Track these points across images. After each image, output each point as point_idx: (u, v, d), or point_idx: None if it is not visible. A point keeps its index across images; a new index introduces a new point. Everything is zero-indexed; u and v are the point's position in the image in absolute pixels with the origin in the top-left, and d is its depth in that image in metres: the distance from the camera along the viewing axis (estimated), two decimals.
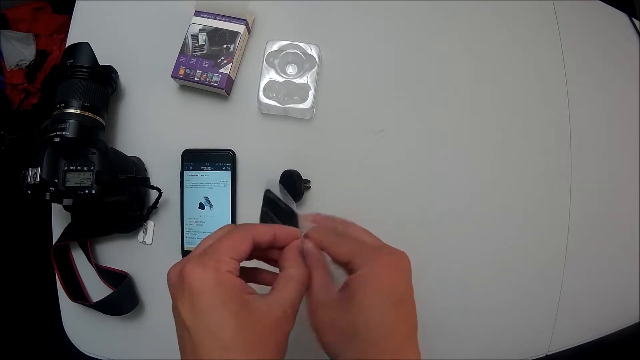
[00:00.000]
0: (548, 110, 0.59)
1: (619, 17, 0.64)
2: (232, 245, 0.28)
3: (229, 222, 0.55)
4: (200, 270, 0.26)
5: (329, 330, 0.29)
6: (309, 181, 0.55)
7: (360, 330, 0.28)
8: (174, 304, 0.27)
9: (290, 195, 0.54)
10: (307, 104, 0.54)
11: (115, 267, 0.56)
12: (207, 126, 0.58)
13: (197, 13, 0.57)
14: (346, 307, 0.29)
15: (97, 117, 0.50)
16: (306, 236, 0.33)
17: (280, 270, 0.31)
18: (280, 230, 0.32)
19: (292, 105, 0.54)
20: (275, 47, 0.56)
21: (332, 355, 0.30)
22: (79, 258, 0.57)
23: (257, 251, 0.31)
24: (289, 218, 0.34)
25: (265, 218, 0.36)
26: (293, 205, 0.35)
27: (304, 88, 0.55)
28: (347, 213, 0.56)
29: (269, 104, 0.54)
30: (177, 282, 0.27)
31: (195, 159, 0.56)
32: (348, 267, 0.30)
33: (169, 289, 0.28)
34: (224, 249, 0.28)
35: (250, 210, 0.56)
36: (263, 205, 0.37)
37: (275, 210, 0.36)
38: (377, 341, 0.28)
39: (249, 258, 0.31)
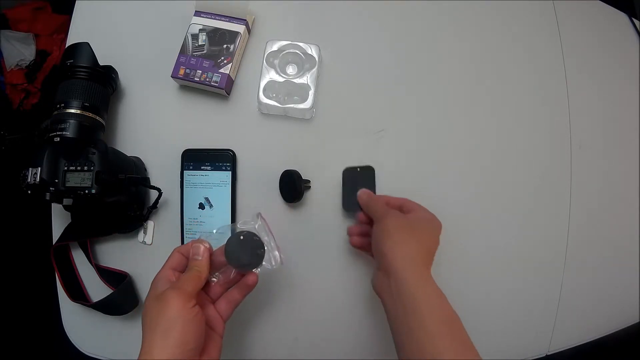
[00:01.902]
0: (548, 110, 0.59)
1: (619, 17, 0.64)
2: (168, 261, 0.43)
3: (229, 221, 0.55)
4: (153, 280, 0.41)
5: (392, 223, 0.44)
6: (309, 181, 0.55)
7: (412, 230, 0.43)
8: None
9: (291, 195, 0.55)
10: (307, 104, 0.54)
11: (115, 267, 0.56)
12: (207, 126, 0.58)
13: (197, 13, 0.57)
14: (408, 217, 0.46)
15: (97, 117, 0.50)
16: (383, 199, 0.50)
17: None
18: (192, 242, 0.44)
19: (292, 105, 0.54)
20: (275, 47, 0.56)
21: (386, 235, 0.43)
22: (79, 258, 0.57)
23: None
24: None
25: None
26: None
27: (304, 88, 0.55)
28: (346, 212, 0.56)
29: (269, 104, 0.54)
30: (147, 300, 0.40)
31: (195, 159, 0.56)
32: (407, 206, 0.48)
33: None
34: (164, 265, 0.43)
35: (250, 210, 0.56)
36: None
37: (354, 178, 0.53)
38: (420, 243, 0.43)
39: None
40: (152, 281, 0.41)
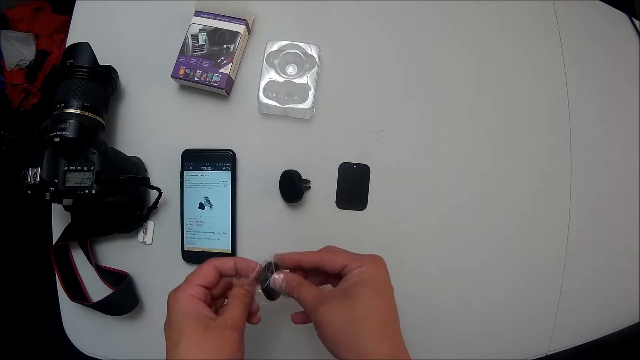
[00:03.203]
0: (548, 111, 0.59)
1: (619, 17, 0.64)
2: (199, 275, 0.38)
3: (229, 222, 0.55)
4: (172, 295, 0.36)
5: (331, 323, 0.35)
6: (309, 181, 0.55)
7: (358, 315, 0.34)
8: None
9: (291, 195, 0.55)
10: (307, 104, 0.54)
11: (115, 267, 0.56)
12: (207, 126, 0.58)
13: (197, 13, 0.57)
14: (344, 299, 0.35)
15: (97, 117, 0.50)
16: (301, 264, 0.40)
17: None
18: (239, 262, 0.40)
19: (292, 105, 0.54)
20: (275, 47, 0.56)
21: (332, 345, 0.35)
22: (79, 258, 0.57)
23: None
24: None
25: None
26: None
27: (304, 88, 0.55)
28: (347, 212, 0.56)
29: (269, 104, 0.54)
30: (168, 305, 0.36)
31: (195, 159, 0.56)
32: (343, 271, 0.37)
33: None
34: (192, 279, 0.37)
35: (250, 210, 0.56)
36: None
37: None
38: (374, 324, 0.34)
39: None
40: (174, 295, 0.36)
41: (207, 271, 0.38)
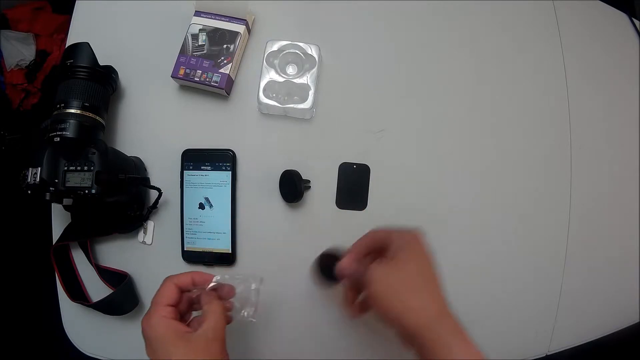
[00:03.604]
0: (548, 111, 0.59)
1: (619, 17, 0.64)
2: (163, 295, 0.39)
3: (229, 222, 0.55)
4: (146, 323, 0.38)
5: (380, 283, 0.39)
6: (309, 181, 0.55)
7: (400, 273, 0.38)
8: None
9: (291, 195, 0.55)
10: (307, 104, 0.54)
11: (115, 267, 0.56)
12: (207, 126, 0.58)
13: (197, 13, 0.57)
14: (389, 262, 0.39)
15: (97, 117, 0.50)
16: (359, 256, 0.44)
17: (202, 308, 0.40)
18: (196, 276, 0.41)
19: (292, 105, 0.54)
20: (275, 47, 0.56)
21: (380, 304, 0.38)
22: (79, 258, 0.57)
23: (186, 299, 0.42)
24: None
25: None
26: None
27: (304, 88, 0.55)
28: (347, 212, 0.56)
29: (269, 104, 0.54)
30: (143, 330, 0.38)
31: (195, 159, 0.56)
32: (388, 241, 0.42)
33: None
34: (159, 301, 0.39)
35: (250, 210, 0.56)
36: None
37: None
38: (414, 280, 0.38)
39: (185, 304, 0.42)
40: (149, 322, 0.37)
41: (169, 290, 0.40)
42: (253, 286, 0.43)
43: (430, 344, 0.36)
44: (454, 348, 0.35)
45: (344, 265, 0.42)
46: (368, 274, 0.39)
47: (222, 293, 0.41)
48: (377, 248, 0.42)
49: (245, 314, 0.43)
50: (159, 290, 0.40)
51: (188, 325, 0.40)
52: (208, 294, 0.41)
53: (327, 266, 0.44)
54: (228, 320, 0.41)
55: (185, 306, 0.42)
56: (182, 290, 0.41)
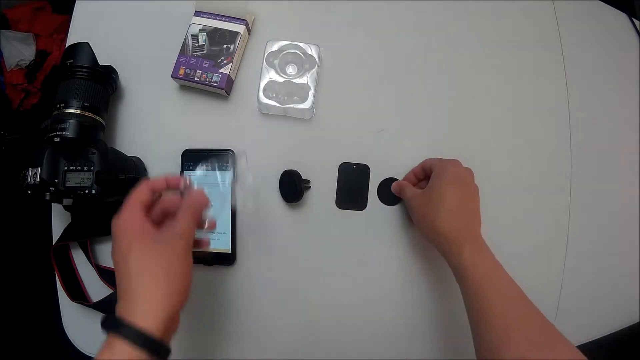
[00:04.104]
0: (548, 111, 0.59)
1: (619, 17, 0.64)
2: (134, 195, 0.39)
3: (229, 222, 0.55)
4: (115, 219, 0.38)
5: (418, 209, 0.48)
6: (309, 181, 0.55)
7: (434, 202, 0.45)
8: (112, 243, 0.38)
9: (291, 195, 0.55)
10: (307, 104, 0.54)
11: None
12: (207, 126, 0.58)
13: (197, 13, 0.57)
14: (427, 188, 0.47)
15: (97, 117, 0.50)
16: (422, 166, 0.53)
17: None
18: (170, 179, 0.42)
19: (292, 105, 0.54)
20: (275, 47, 0.56)
21: (417, 222, 0.48)
22: (79, 258, 0.57)
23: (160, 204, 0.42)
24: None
25: None
26: None
27: (304, 88, 0.55)
28: (347, 212, 0.56)
29: (269, 104, 0.54)
30: (113, 227, 0.38)
31: (195, 159, 0.56)
32: (431, 169, 0.49)
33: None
34: (129, 201, 0.39)
35: (250, 210, 0.56)
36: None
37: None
38: (449, 210, 0.44)
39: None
40: (117, 219, 0.38)
41: (141, 190, 0.40)
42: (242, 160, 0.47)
43: (450, 263, 0.44)
44: (465, 264, 0.42)
45: (395, 183, 0.54)
46: (413, 199, 0.48)
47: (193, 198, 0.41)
48: (428, 174, 0.50)
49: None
50: (131, 191, 0.40)
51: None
52: (184, 203, 0.40)
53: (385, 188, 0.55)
54: (200, 225, 0.42)
55: (159, 214, 0.41)
56: (155, 192, 0.41)
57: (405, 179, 0.54)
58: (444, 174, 0.46)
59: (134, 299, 0.34)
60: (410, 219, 0.53)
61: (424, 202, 0.46)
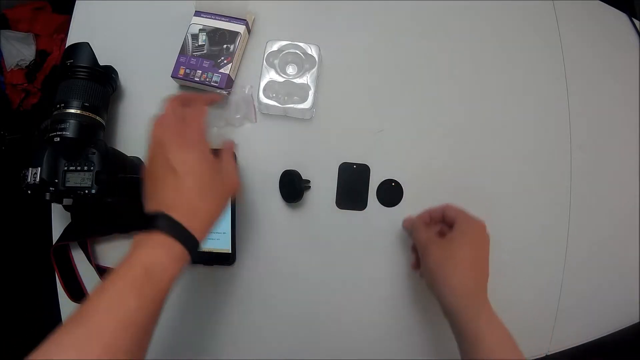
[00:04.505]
0: (548, 111, 0.59)
1: (619, 17, 0.64)
2: (200, 112, 0.43)
3: (229, 223, 0.54)
4: (190, 131, 0.40)
5: (432, 259, 0.44)
6: (308, 181, 0.55)
7: (453, 258, 0.43)
8: (163, 153, 0.38)
9: (291, 195, 0.55)
10: (307, 104, 0.54)
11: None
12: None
13: (197, 13, 0.57)
14: (448, 242, 0.44)
15: (97, 117, 0.50)
16: (442, 208, 0.50)
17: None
18: (212, 96, 0.48)
19: (292, 105, 0.54)
20: (275, 47, 0.56)
21: (430, 275, 0.44)
22: (79, 258, 0.57)
23: None
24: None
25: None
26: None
27: (304, 88, 0.55)
28: (347, 212, 0.56)
29: (269, 104, 0.54)
30: (170, 136, 0.39)
31: None
32: (451, 222, 0.47)
33: (158, 144, 0.39)
34: (197, 116, 0.42)
35: (250, 210, 0.56)
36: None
37: None
38: (466, 269, 0.42)
39: None
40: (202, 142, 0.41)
41: (203, 109, 0.44)
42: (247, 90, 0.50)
43: (460, 324, 0.41)
44: (480, 331, 0.40)
45: (407, 219, 0.53)
46: (429, 248, 0.45)
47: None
48: (447, 220, 0.48)
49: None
50: (192, 116, 0.42)
51: None
52: (225, 151, 0.45)
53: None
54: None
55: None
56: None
57: (419, 217, 0.51)
58: (471, 233, 0.45)
59: (190, 210, 0.37)
60: (417, 263, 0.50)
61: (443, 253, 0.44)
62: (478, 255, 0.44)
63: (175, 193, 0.37)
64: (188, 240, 0.36)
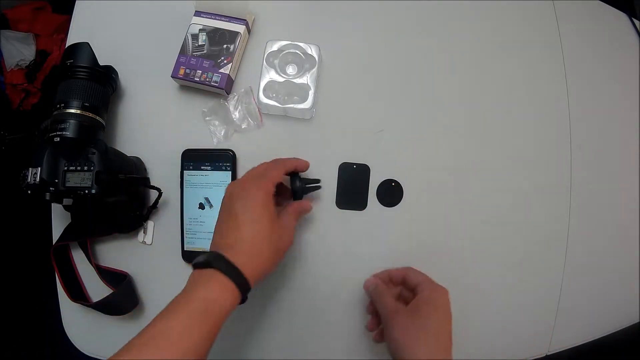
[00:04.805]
0: (548, 111, 0.59)
1: (619, 17, 0.64)
2: (275, 175, 0.45)
3: None
4: (256, 189, 0.44)
5: (398, 329, 0.43)
6: (318, 180, 0.53)
7: (422, 329, 0.42)
8: (231, 203, 0.43)
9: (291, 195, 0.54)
10: (307, 104, 0.54)
11: (115, 267, 0.56)
12: (207, 126, 0.58)
13: (197, 13, 0.57)
14: (415, 312, 0.44)
15: (97, 117, 0.50)
16: (389, 274, 0.50)
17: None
18: (297, 163, 0.49)
19: (292, 105, 0.54)
20: (275, 47, 0.56)
21: (395, 346, 0.43)
22: (79, 258, 0.57)
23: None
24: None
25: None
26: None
27: (304, 88, 0.55)
28: (347, 212, 0.56)
29: (269, 104, 0.54)
30: (239, 190, 0.44)
31: (195, 159, 0.56)
32: (415, 289, 0.46)
33: (228, 195, 0.45)
34: (270, 178, 0.45)
35: None
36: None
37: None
38: (433, 339, 0.42)
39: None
40: (261, 185, 0.44)
41: (280, 172, 0.46)
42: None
43: None
44: None
45: (370, 280, 0.50)
46: (395, 318, 0.44)
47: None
48: (408, 285, 0.48)
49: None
50: (271, 167, 0.47)
51: None
52: (293, 207, 0.48)
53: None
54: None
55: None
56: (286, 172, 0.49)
57: (378, 276, 0.51)
58: (436, 302, 0.44)
59: (241, 254, 0.40)
60: (374, 325, 0.50)
61: (410, 323, 0.43)
62: (444, 325, 0.43)
63: (235, 237, 0.41)
64: (242, 283, 0.39)
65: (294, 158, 0.50)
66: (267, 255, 0.42)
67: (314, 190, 0.53)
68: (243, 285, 0.39)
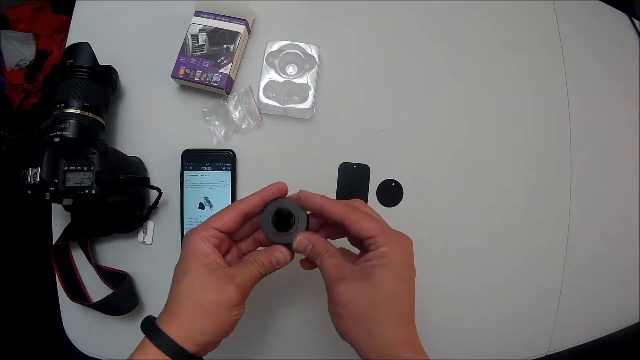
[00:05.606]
0: (548, 110, 0.59)
1: (619, 17, 0.64)
2: (217, 218, 0.37)
3: None
4: (187, 235, 0.37)
5: (346, 303, 0.33)
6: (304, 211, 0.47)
7: (376, 301, 0.32)
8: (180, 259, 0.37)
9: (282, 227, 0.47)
10: (307, 104, 0.54)
11: (115, 267, 0.56)
12: (207, 126, 0.58)
13: (197, 13, 0.57)
14: (365, 281, 0.33)
15: (97, 117, 0.50)
16: (324, 211, 0.36)
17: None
18: (264, 193, 0.37)
19: (292, 105, 0.54)
20: (275, 47, 0.56)
21: (345, 327, 0.34)
22: (79, 258, 0.57)
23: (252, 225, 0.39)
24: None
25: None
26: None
27: (304, 88, 0.55)
28: None
29: (269, 104, 0.54)
30: (184, 239, 0.37)
31: (195, 159, 0.56)
32: (368, 242, 0.34)
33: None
34: (209, 222, 0.37)
35: None
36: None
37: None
38: (392, 313, 0.32)
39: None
40: (188, 237, 0.36)
41: (228, 214, 0.37)
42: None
43: None
44: None
45: (300, 240, 0.36)
46: (339, 290, 0.33)
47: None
48: (351, 233, 0.35)
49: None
50: (220, 210, 0.37)
51: (240, 258, 0.39)
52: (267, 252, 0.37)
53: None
54: (264, 273, 0.37)
55: (246, 233, 0.39)
56: (249, 217, 0.37)
57: (308, 235, 0.36)
58: (396, 264, 0.33)
59: (174, 314, 0.34)
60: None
61: (365, 300, 0.32)
62: (411, 293, 0.34)
63: (171, 294, 0.35)
64: (172, 347, 0.33)
65: (268, 186, 0.38)
66: (201, 313, 0.34)
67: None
68: (173, 350, 0.32)
